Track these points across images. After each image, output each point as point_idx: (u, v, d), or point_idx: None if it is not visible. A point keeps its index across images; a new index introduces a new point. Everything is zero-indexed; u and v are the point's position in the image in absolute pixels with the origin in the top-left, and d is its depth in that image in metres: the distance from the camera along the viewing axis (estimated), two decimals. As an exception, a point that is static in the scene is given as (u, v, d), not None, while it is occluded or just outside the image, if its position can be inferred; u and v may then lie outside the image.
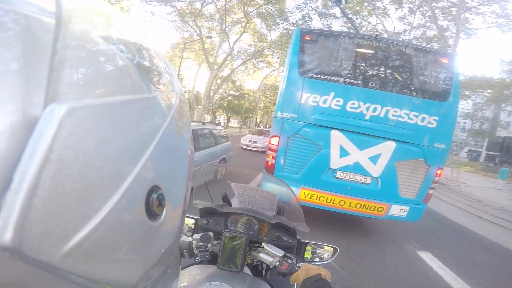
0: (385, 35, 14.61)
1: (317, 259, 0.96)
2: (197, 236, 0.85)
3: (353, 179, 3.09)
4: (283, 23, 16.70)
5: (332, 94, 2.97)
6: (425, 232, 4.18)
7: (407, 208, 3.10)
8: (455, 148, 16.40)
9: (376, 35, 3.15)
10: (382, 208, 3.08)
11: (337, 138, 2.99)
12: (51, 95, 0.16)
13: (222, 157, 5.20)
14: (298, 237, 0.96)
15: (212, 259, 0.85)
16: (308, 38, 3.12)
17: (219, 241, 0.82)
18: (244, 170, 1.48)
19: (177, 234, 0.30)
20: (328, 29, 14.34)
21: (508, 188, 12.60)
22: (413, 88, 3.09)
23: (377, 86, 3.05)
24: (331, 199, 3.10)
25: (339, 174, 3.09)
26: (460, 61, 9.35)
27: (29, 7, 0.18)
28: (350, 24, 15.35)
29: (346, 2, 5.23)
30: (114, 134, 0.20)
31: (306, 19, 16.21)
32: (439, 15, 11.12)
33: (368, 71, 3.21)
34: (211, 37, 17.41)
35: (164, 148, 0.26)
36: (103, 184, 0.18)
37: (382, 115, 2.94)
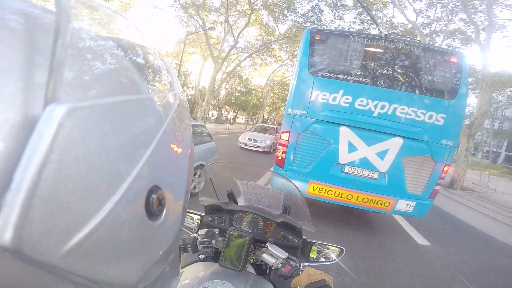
0: (401, 29, 14.12)
1: (323, 259, 0.95)
2: (202, 231, 0.86)
3: (361, 174, 3.19)
4: (291, 15, 16.06)
5: (341, 92, 3.07)
6: (477, 265, 3.19)
7: (414, 203, 3.17)
8: (474, 149, 15.39)
9: (386, 34, 3.21)
10: (389, 203, 3.17)
11: (345, 134, 3.09)
12: (51, 95, 0.16)
13: (198, 164, 3.61)
14: (304, 237, 0.95)
15: (216, 256, 0.84)
16: (318, 38, 3.23)
17: (224, 238, 0.82)
18: (251, 167, 1.47)
19: (177, 234, 0.30)
20: (338, 23, 13.94)
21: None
22: (421, 87, 3.14)
23: (386, 84, 3.12)
24: (339, 193, 3.21)
25: (347, 169, 3.20)
26: (489, 56, 8.82)
27: (29, 6, 0.18)
28: (363, 16, 14.99)
29: None
30: (114, 134, 0.20)
31: (316, 11, 15.60)
32: (470, 8, 10.51)
33: (377, 70, 3.28)
34: (213, 29, 16.93)
35: (164, 148, 0.26)
36: (103, 184, 0.18)
37: (390, 112, 3.02)
